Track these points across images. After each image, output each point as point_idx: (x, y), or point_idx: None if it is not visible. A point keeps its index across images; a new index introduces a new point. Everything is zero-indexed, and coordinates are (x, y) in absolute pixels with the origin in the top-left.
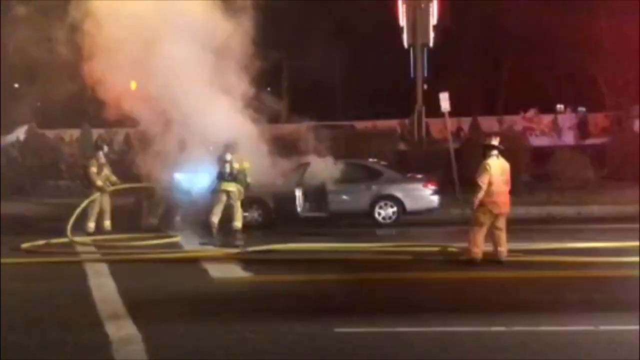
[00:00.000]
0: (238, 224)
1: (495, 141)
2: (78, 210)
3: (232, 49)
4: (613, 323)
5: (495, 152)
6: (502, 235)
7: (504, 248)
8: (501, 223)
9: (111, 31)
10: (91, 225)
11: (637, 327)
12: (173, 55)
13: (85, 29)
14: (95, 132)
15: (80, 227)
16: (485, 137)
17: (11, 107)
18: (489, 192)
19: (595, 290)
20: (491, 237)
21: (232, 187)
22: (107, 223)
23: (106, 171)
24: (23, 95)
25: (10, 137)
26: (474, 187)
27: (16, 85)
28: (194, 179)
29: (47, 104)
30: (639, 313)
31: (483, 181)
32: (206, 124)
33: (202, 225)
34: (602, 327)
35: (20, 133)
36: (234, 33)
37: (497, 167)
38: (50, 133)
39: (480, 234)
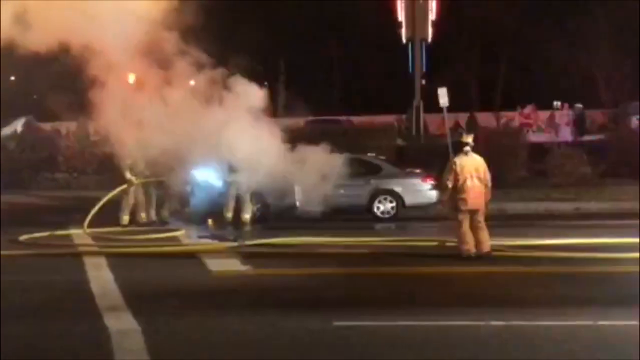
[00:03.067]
0: (247, 215)
1: (468, 139)
2: (101, 202)
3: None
4: (612, 318)
5: (467, 148)
6: (480, 231)
7: (483, 244)
8: (478, 218)
9: None
10: (125, 217)
11: (636, 322)
12: None
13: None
14: (92, 125)
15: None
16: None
17: (9, 100)
18: (459, 189)
19: (594, 286)
20: (473, 232)
21: (239, 177)
22: (143, 215)
23: (142, 165)
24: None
25: (8, 130)
26: (440, 185)
27: (12, 78)
28: (206, 174)
29: (43, 96)
30: (639, 309)
31: (448, 179)
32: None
33: (201, 219)
34: (601, 322)
35: (18, 126)
36: None
37: (468, 164)
38: (46, 126)
39: (463, 230)
